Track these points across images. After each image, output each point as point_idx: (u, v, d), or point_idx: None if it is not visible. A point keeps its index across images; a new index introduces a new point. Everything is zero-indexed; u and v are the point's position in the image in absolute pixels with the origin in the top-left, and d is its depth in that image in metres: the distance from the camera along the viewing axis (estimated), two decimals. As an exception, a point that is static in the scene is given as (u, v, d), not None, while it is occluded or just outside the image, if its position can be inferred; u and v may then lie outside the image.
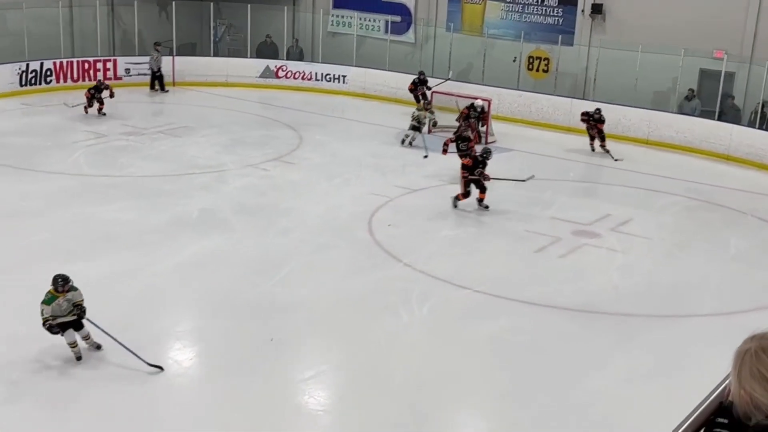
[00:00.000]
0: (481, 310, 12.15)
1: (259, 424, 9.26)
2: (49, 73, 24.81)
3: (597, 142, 20.75)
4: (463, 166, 15.85)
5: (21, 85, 24.16)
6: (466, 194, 15.87)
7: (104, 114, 22.33)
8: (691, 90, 22.10)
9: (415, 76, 24.05)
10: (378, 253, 14.11)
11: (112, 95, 22.69)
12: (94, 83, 23.24)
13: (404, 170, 17.43)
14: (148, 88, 25.98)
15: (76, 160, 18.56)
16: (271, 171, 18.47)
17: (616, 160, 19.99)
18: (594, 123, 20.54)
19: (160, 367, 9.88)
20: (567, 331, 11.70)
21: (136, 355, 9.77)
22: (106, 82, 23.47)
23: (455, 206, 15.98)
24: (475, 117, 20.53)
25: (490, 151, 16.33)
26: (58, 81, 24.97)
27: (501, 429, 9.56)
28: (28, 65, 24.35)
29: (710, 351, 10.66)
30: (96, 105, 22.28)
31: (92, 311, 11.45)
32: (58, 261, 13.02)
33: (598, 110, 20.53)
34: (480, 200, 15.99)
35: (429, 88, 23.39)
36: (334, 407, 10.03)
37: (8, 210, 15.13)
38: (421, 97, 22.91)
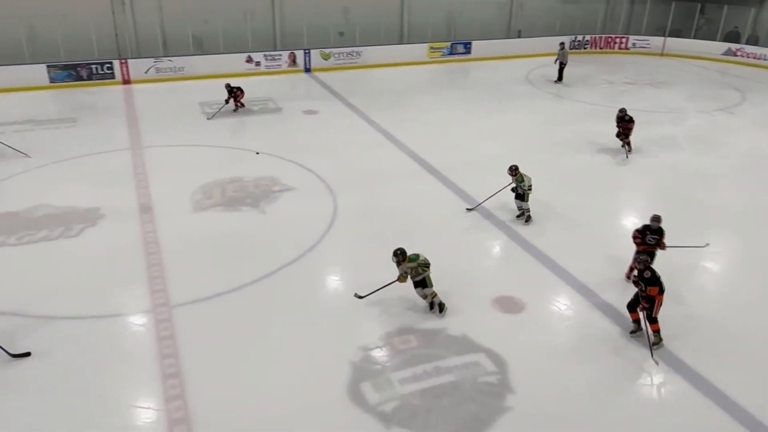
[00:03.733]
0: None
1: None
2: (586, 41, 25.89)
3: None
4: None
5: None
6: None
7: (239, 108, 16.94)
8: None
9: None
10: None
11: (236, 100, 16.95)
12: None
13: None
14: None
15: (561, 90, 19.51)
16: (716, 117, 17.63)
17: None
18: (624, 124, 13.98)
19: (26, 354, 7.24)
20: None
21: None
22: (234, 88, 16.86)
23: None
24: None
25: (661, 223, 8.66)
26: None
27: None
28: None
29: None
30: (232, 102, 16.85)
31: (486, 174, 11.30)
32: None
33: (622, 109, 14.05)
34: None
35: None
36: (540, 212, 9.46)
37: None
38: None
